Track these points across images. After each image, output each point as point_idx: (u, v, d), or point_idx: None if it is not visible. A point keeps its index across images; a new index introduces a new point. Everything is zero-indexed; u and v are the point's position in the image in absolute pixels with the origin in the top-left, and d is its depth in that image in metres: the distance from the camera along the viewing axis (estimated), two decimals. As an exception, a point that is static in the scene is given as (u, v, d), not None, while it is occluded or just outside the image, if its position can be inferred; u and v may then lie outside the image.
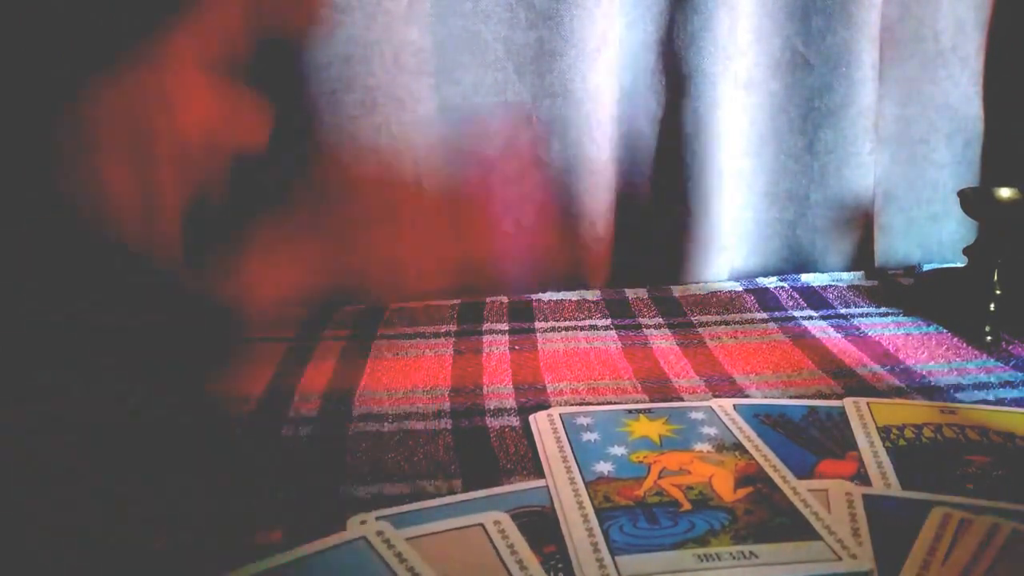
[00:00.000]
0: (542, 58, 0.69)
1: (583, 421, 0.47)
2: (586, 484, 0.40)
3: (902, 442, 0.44)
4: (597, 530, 0.37)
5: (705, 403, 0.49)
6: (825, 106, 0.74)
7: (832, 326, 0.63)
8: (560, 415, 0.47)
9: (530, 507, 0.39)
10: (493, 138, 0.70)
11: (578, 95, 0.70)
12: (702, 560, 0.35)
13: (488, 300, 0.70)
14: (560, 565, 0.35)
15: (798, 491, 0.40)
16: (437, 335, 0.63)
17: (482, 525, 0.38)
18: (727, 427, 0.46)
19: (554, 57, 0.69)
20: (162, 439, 0.48)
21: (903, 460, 0.42)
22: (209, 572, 0.35)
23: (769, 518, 0.37)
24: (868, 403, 0.48)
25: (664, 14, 0.71)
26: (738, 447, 0.44)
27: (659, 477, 0.41)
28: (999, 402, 0.50)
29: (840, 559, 0.35)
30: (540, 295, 0.71)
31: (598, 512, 0.38)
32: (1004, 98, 0.77)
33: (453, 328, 0.64)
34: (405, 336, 0.63)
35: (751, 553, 0.35)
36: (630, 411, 0.48)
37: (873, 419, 0.46)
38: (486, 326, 0.65)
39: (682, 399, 0.51)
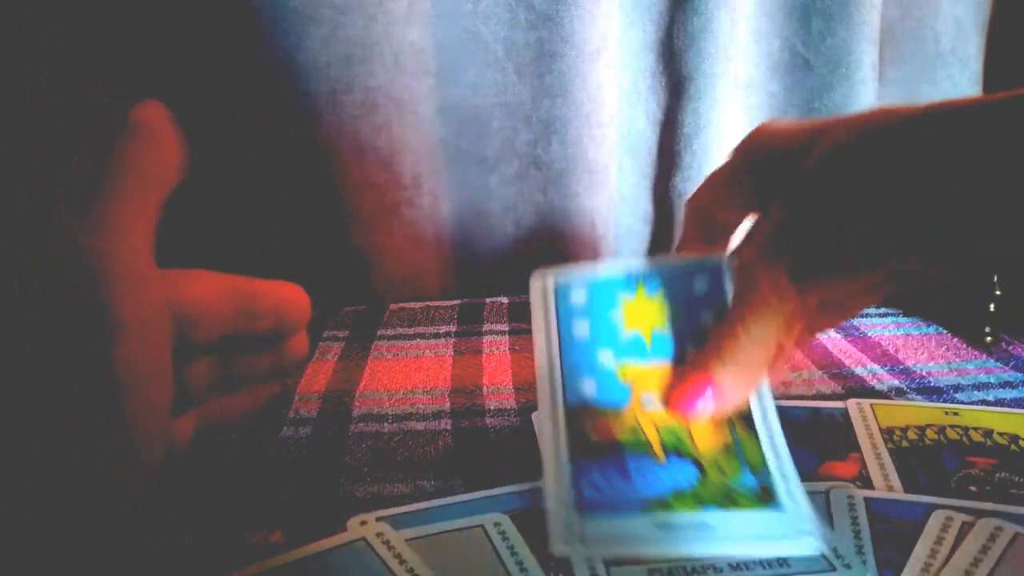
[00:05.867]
0: (542, 59, 0.69)
1: (578, 297, 0.40)
2: (567, 412, 0.37)
3: (905, 444, 0.44)
4: (568, 489, 0.35)
5: (714, 261, 0.39)
6: (825, 107, 0.74)
7: (832, 327, 0.63)
8: (556, 281, 0.40)
9: (530, 508, 0.39)
10: (493, 138, 0.70)
11: (578, 96, 0.70)
12: (660, 530, 0.33)
13: (488, 301, 0.70)
14: (560, 565, 0.35)
15: (775, 440, 0.36)
16: (437, 335, 0.63)
17: (482, 526, 0.37)
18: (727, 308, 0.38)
19: (554, 58, 0.69)
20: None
21: (906, 462, 0.42)
22: (209, 573, 0.35)
23: (736, 476, 0.35)
24: (871, 404, 0.48)
25: (664, 15, 0.71)
26: None
27: (640, 407, 0.37)
28: (999, 403, 0.50)
29: (806, 535, 0.33)
30: (540, 296, 0.71)
31: (572, 450, 0.36)
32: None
33: (453, 328, 0.64)
34: (405, 336, 0.63)
35: (708, 524, 0.33)
36: (628, 279, 0.40)
37: (876, 421, 0.46)
38: (486, 327, 0.65)
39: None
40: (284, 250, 0.69)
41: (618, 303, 0.40)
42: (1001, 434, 0.45)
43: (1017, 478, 0.41)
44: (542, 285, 0.41)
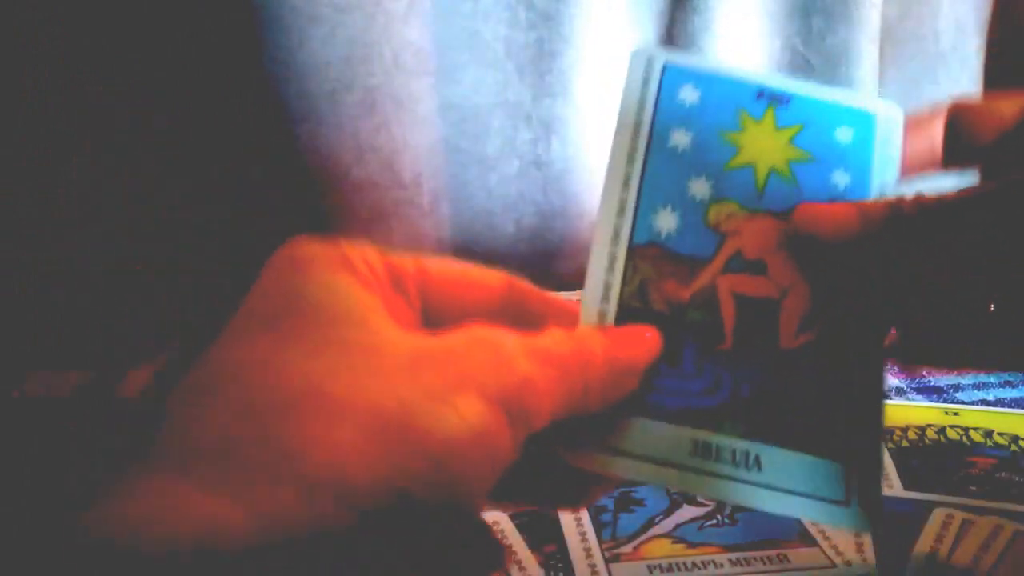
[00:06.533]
0: (542, 58, 0.69)
1: (687, 95, 0.31)
2: (630, 250, 0.28)
3: (905, 443, 0.44)
4: None
5: (870, 109, 0.31)
6: (825, 106, 0.74)
7: (832, 326, 0.63)
8: (665, 64, 0.31)
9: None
10: (493, 138, 0.70)
11: (578, 96, 0.70)
12: (696, 454, 0.25)
13: (488, 300, 0.70)
14: (560, 565, 0.35)
15: (872, 359, 0.28)
16: (437, 335, 0.63)
17: (482, 526, 0.37)
18: (870, 175, 0.30)
19: (554, 57, 0.69)
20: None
21: (906, 461, 0.42)
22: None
23: (802, 395, 0.27)
24: (870, 404, 0.48)
25: (664, 15, 0.71)
26: None
27: (724, 269, 0.28)
28: (999, 402, 0.50)
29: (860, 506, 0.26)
30: (540, 295, 0.71)
31: (620, 316, 0.27)
32: (1004, 99, 0.77)
33: (453, 328, 0.64)
34: (405, 336, 0.63)
35: (759, 460, 0.26)
36: (761, 93, 0.31)
37: (876, 419, 0.46)
38: (486, 326, 0.64)
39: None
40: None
41: (737, 121, 0.30)
42: (1001, 434, 0.45)
43: (1017, 478, 0.41)
44: (645, 65, 0.31)
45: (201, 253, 0.66)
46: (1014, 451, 0.44)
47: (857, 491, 0.26)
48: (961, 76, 0.76)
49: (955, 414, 0.47)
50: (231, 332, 0.21)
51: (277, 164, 0.67)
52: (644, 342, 0.26)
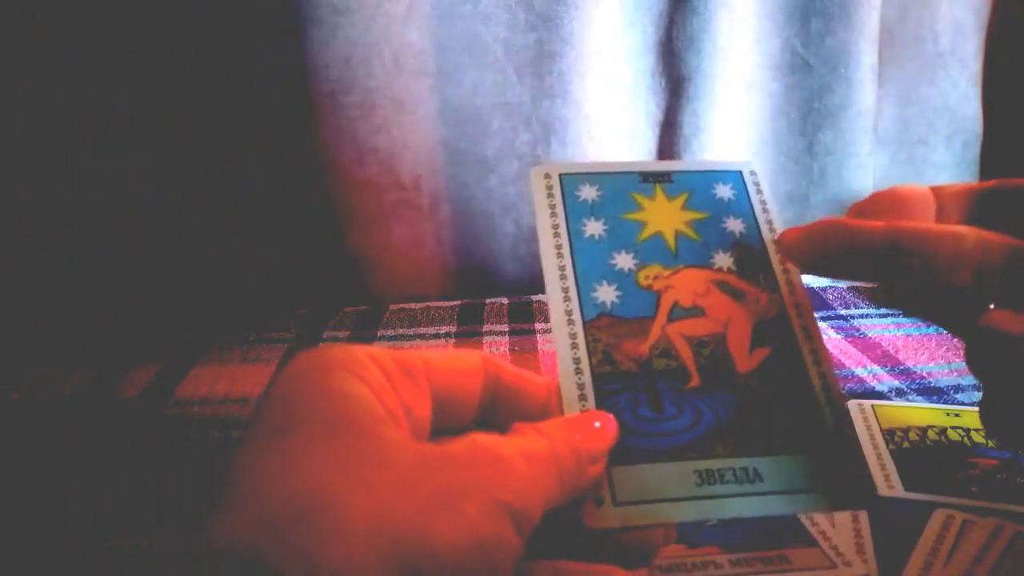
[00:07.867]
0: (542, 59, 0.69)
1: (587, 194, 0.35)
2: (585, 326, 0.31)
3: (906, 444, 0.44)
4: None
5: (735, 168, 0.37)
6: (824, 107, 0.74)
7: (832, 327, 0.63)
8: (560, 174, 0.36)
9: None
10: (493, 139, 0.70)
11: (578, 96, 0.70)
12: (702, 483, 0.28)
13: (488, 301, 0.70)
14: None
15: (818, 359, 0.31)
16: (437, 336, 0.63)
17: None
18: (755, 217, 0.35)
19: (554, 59, 0.69)
20: (158, 444, 0.48)
21: (907, 462, 0.42)
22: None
23: (773, 406, 0.30)
24: (872, 406, 0.48)
25: (664, 16, 0.71)
26: (763, 265, 0.34)
27: (668, 319, 0.32)
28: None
29: (858, 483, 0.29)
30: (540, 296, 0.71)
31: (596, 384, 0.30)
32: (1003, 100, 0.77)
33: (453, 329, 0.64)
34: (405, 337, 0.63)
35: (758, 473, 0.29)
36: (645, 177, 0.36)
37: (877, 421, 0.46)
38: (486, 327, 0.64)
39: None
40: (285, 250, 0.69)
41: (635, 203, 0.35)
42: (1002, 434, 0.45)
43: (1018, 479, 0.41)
44: (545, 178, 0.36)
45: (201, 253, 0.66)
46: (1016, 452, 0.44)
47: (844, 474, 0.29)
48: (960, 77, 0.76)
49: (956, 415, 0.47)
50: (251, 440, 0.23)
51: (277, 165, 0.67)
52: (601, 429, 0.28)
